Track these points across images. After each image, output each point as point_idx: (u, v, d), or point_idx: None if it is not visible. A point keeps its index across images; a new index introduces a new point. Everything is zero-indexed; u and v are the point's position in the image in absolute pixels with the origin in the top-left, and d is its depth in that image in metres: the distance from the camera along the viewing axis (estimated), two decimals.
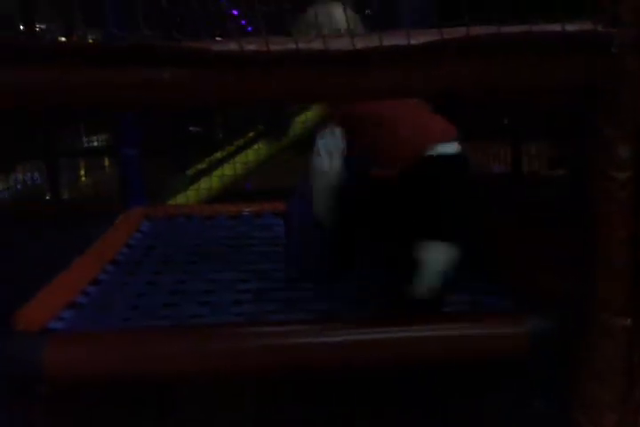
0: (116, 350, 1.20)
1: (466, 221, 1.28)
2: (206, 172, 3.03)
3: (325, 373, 1.34)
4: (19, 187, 4.58)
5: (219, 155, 3.35)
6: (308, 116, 3.10)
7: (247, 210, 2.41)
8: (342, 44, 1.01)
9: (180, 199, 2.80)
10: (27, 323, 1.26)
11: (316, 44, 1.01)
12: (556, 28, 1.01)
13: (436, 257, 1.25)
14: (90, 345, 1.21)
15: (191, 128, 4.56)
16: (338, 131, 1.35)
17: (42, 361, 1.15)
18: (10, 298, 1.27)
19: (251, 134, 3.54)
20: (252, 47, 1.02)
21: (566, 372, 1.21)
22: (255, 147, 3.10)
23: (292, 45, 1.00)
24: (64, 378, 1.19)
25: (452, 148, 1.27)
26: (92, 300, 1.56)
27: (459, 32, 1.00)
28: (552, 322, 1.22)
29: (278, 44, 1.02)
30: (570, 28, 1.01)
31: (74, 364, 1.19)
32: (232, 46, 1.02)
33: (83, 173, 5.28)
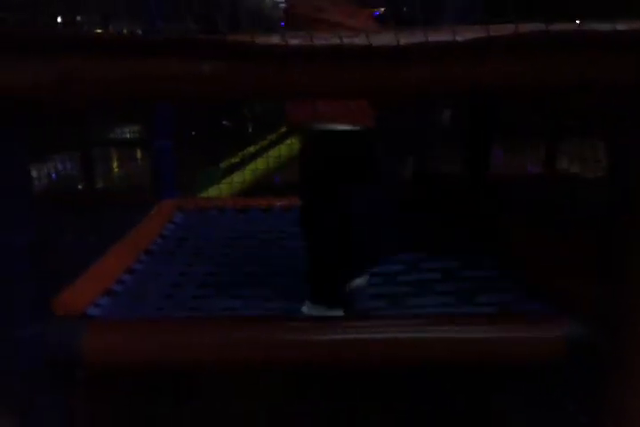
0: (152, 338, 1.21)
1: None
2: (239, 165, 3.04)
3: (353, 369, 1.35)
4: (53, 176, 4.66)
5: (252, 149, 3.37)
6: None
7: (278, 204, 2.42)
8: (386, 39, 1.01)
9: (213, 192, 2.82)
10: (65, 308, 1.28)
11: (360, 40, 1.00)
12: (607, 26, 0.99)
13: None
14: (128, 332, 1.23)
15: (224, 122, 4.59)
16: None
17: (81, 347, 1.18)
18: (48, 284, 1.30)
19: (283, 129, 3.54)
20: (295, 41, 1.02)
21: (597, 377, 1.19)
22: (288, 142, 3.10)
23: (335, 40, 1.00)
24: (102, 364, 1.21)
25: (344, 128, 1.38)
26: (127, 288, 1.58)
27: (506, 29, 0.99)
28: (587, 326, 1.20)
29: (322, 39, 1.02)
30: (621, 26, 0.98)
31: (112, 350, 1.21)
32: (275, 40, 1.02)
33: (115, 164, 5.36)
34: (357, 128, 1.38)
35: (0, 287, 1.20)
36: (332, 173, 1.40)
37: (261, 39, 1.01)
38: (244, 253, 1.89)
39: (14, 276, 1.19)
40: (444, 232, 2.04)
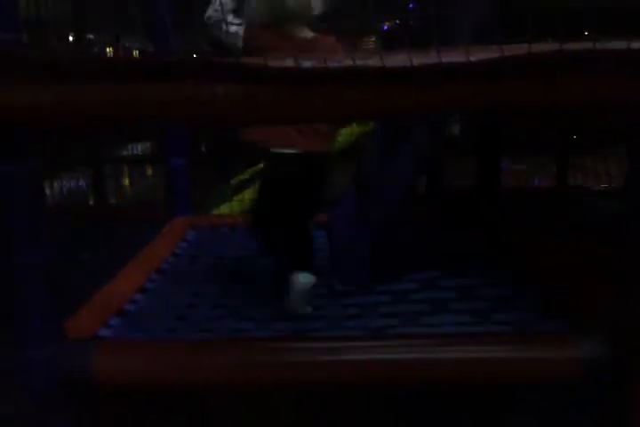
0: (162, 359, 1.21)
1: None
2: (249, 182, 3.03)
3: (366, 390, 1.33)
4: (64, 192, 4.66)
5: (261, 165, 3.36)
6: (354, 129, 3.09)
7: None
8: (399, 60, 1.01)
9: (225, 209, 2.82)
10: (78, 329, 1.28)
11: (373, 61, 1.00)
12: (621, 44, 0.98)
13: (302, 285, 1.53)
14: (138, 354, 1.23)
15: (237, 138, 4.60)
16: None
17: (92, 368, 1.18)
18: (60, 304, 1.30)
19: None
20: (308, 64, 1.02)
21: (614, 397, 1.17)
22: None
23: (349, 62, 1.00)
24: (113, 385, 1.21)
25: (289, 151, 1.57)
26: (140, 308, 1.58)
27: (520, 49, 0.98)
28: (604, 346, 1.18)
29: (335, 61, 1.02)
30: (635, 44, 0.98)
31: (122, 372, 1.20)
32: (289, 62, 1.02)
33: (126, 180, 5.37)
34: (304, 152, 1.54)
35: (14, 308, 1.21)
36: (281, 193, 1.58)
37: (275, 62, 1.02)
38: (254, 273, 1.88)
39: (28, 296, 1.20)
40: (459, 249, 2.02)
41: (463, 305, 1.55)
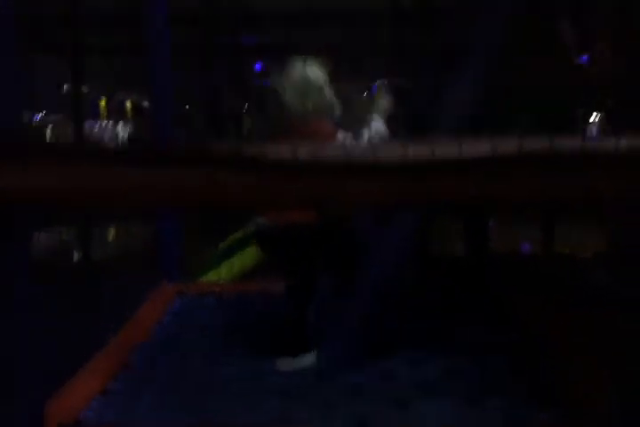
0: None
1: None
2: (236, 248, 2.98)
3: None
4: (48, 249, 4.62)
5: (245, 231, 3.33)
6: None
7: (279, 289, 2.37)
8: (393, 152, 1.03)
9: (213, 276, 2.77)
10: (60, 413, 1.23)
11: (367, 153, 1.02)
12: (611, 143, 1.01)
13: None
14: None
15: None
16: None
17: None
18: (42, 379, 1.24)
19: None
20: (304, 154, 1.04)
21: None
22: None
23: (344, 153, 1.02)
24: None
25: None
26: (123, 387, 1.52)
27: (511, 142, 1.00)
28: None
29: (331, 150, 1.04)
30: (623, 143, 1.01)
31: None
32: (286, 153, 1.04)
33: (112, 237, 5.33)
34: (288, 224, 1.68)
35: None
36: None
37: (272, 151, 1.03)
38: (241, 347, 1.83)
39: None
40: (449, 324, 1.99)
41: (454, 388, 1.51)
